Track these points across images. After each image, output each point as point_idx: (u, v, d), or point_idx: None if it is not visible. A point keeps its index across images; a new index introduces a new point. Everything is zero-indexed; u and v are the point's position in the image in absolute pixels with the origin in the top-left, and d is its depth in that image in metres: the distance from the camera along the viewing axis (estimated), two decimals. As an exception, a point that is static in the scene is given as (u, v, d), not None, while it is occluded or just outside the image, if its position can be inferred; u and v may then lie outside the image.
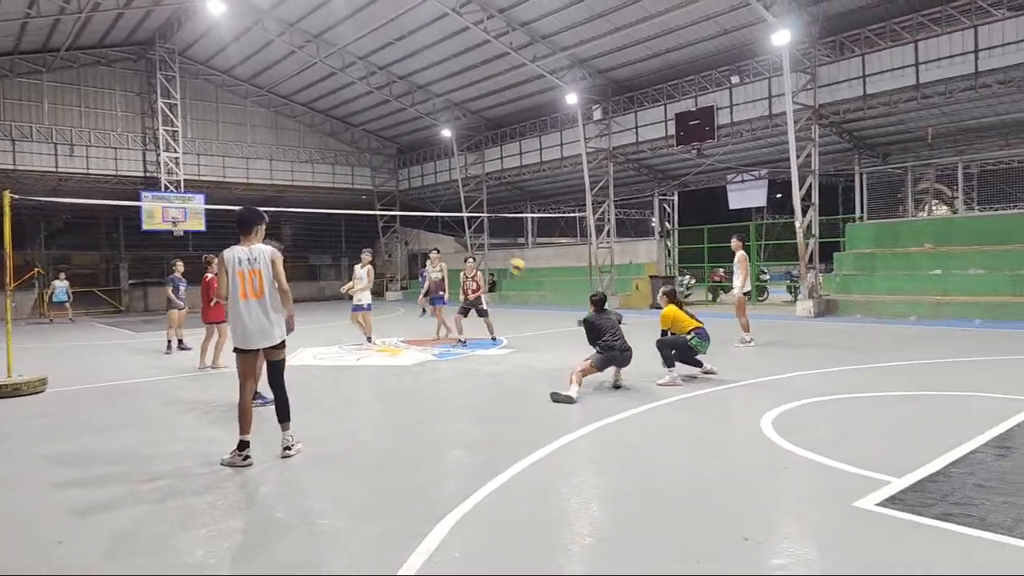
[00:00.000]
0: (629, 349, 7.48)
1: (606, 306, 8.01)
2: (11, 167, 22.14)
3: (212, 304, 9.84)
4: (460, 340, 11.59)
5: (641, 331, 13.99)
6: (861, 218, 19.12)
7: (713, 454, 4.86)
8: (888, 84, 15.72)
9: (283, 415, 4.97)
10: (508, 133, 26.04)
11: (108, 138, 24.10)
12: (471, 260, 12.80)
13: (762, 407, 6.03)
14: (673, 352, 7.72)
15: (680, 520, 3.61)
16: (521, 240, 34.96)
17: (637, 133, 21.55)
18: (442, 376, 8.79)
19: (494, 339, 11.95)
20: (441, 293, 12.94)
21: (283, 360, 5.04)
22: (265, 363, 4.99)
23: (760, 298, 20.58)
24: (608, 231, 22.73)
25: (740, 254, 10.70)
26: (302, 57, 22.89)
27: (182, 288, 12.17)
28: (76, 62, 23.36)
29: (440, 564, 3.09)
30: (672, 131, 20.10)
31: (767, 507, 3.80)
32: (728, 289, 11.91)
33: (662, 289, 8.61)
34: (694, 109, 19.60)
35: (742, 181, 23.76)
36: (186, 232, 22.45)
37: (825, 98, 16.69)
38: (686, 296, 22.05)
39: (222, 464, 4.74)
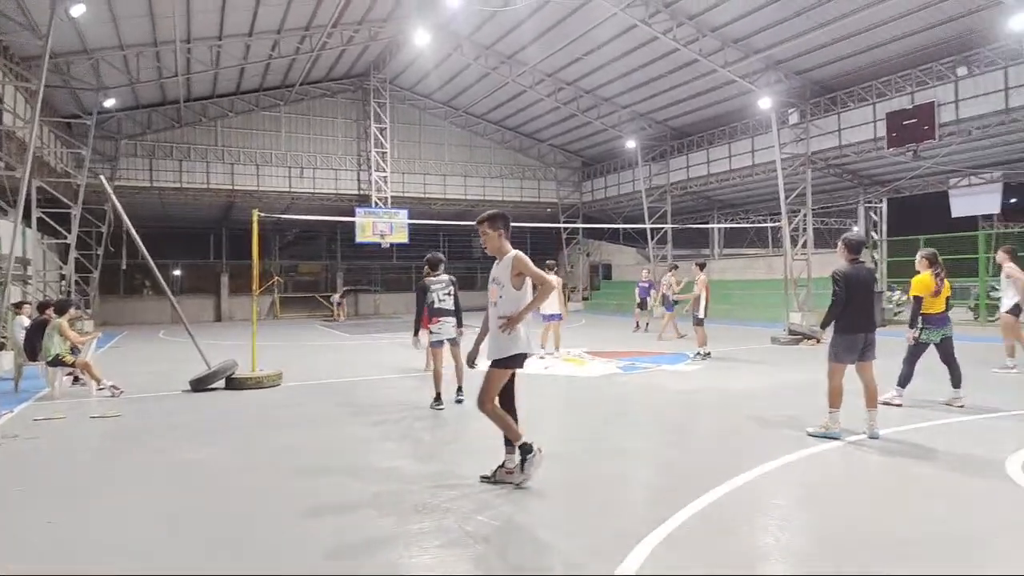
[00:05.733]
0: (875, 324, 6.02)
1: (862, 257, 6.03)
2: (255, 188, 26.14)
3: None
4: (701, 352, 11.64)
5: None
6: None
7: (948, 502, 4.41)
8: None
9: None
10: (695, 142, 25.35)
11: (330, 160, 27.46)
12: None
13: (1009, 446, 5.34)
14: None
15: None
16: (706, 251, 33.71)
17: (840, 136, 19.87)
18: (628, 391, 8.85)
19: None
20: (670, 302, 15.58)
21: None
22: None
23: (992, 319, 17.85)
24: (804, 242, 21.19)
25: (1009, 267, 9.21)
26: (495, 78, 24.28)
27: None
28: (307, 95, 26.98)
29: (644, 583, 3.20)
30: (882, 132, 18.26)
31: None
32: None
33: (921, 253, 7.29)
34: (910, 107, 17.61)
35: (968, 185, 20.85)
36: (391, 244, 24.83)
37: (1086, 86, 14.15)
38: (896, 314, 19.89)
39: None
